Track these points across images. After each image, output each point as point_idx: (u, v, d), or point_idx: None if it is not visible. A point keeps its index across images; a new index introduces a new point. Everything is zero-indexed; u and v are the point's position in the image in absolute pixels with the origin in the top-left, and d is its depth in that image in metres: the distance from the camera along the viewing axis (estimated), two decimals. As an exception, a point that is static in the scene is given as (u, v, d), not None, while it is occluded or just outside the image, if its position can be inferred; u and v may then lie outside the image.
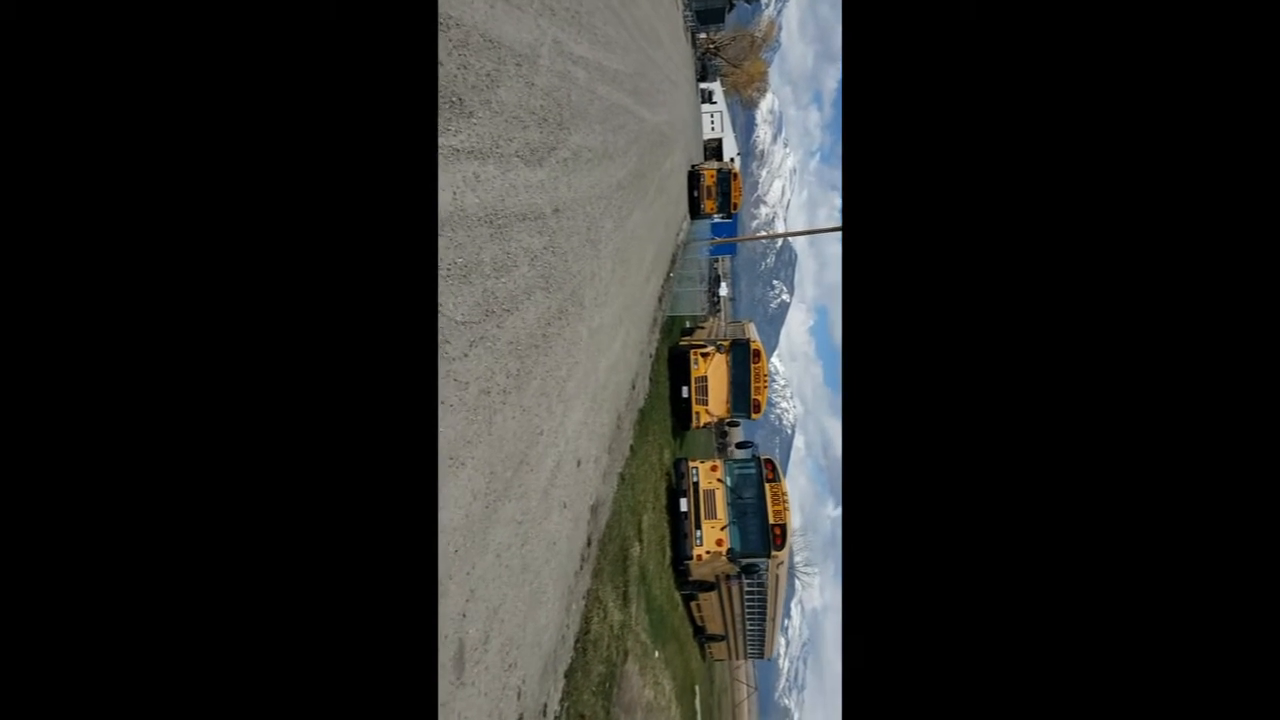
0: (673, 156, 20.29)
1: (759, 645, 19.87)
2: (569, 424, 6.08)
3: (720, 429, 19.32)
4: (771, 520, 12.98)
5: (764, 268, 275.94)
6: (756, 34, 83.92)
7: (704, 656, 19.88)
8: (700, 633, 17.73)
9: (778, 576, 14.60)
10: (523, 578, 4.53)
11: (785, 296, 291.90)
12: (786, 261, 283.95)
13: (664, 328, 15.80)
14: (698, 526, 13.03)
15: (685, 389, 16.18)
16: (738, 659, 22.85)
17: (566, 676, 5.71)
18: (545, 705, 4.96)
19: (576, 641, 6.14)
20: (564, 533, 5.76)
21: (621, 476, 8.95)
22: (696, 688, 17.85)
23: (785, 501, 13.25)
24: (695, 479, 13.52)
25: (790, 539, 12.97)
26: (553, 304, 5.55)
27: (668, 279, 17.25)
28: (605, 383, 8.03)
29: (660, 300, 15.43)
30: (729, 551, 12.78)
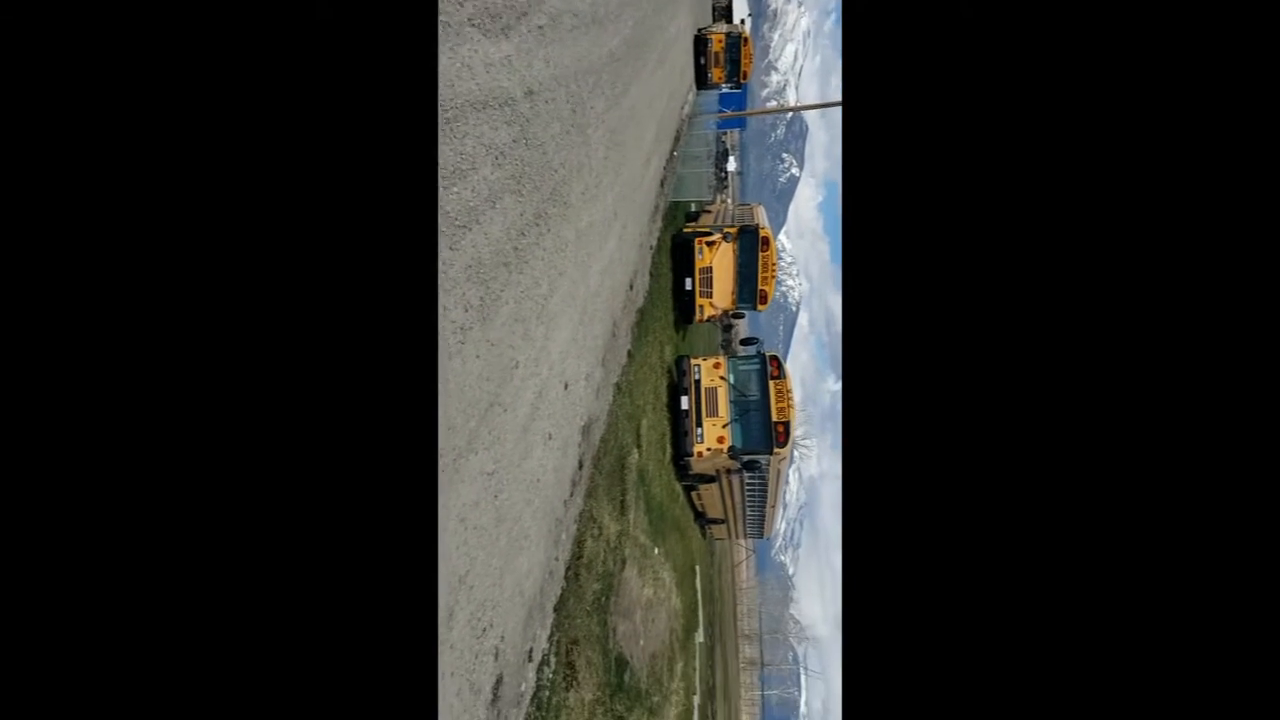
0: (677, 20, 18.19)
1: (758, 527, 20.39)
2: (553, 346, 5.43)
3: (725, 322, 18.67)
4: (775, 418, 12.64)
5: (773, 140, 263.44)
6: None
7: (704, 536, 20.46)
8: (700, 517, 18.08)
9: (778, 470, 14.51)
10: (496, 532, 4.07)
11: (795, 170, 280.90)
12: (797, 134, 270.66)
13: (666, 215, 14.75)
14: (699, 424, 12.73)
15: (689, 281, 15.37)
16: (737, 539, 23.62)
17: (556, 610, 5.45)
18: (530, 650, 4.70)
19: (568, 569, 5.85)
20: (549, 465, 5.28)
21: (618, 387, 8.42)
22: (697, 567, 18.44)
23: (789, 398, 12.85)
24: (697, 376, 13.06)
25: (793, 435, 12.69)
26: (526, 209, 4.72)
27: (671, 159, 15.94)
28: (597, 289, 7.29)
29: (662, 184, 14.28)
30: (730, 449, 12.55)
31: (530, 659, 4.67)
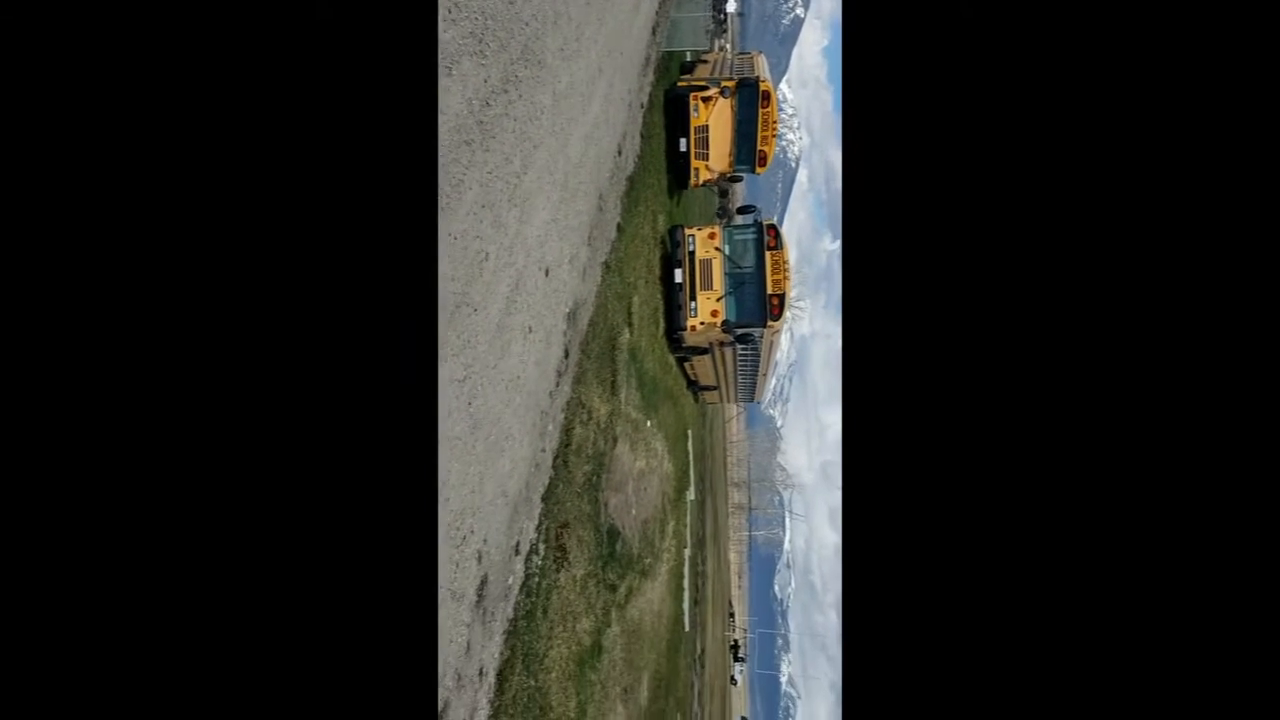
0: None
1: (750, 392, 20.73)
2: (530, 230, 4.98)
3: (722, 186, 17.76)
4: (770, 290, 12.30)
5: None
6: None
7: (696, 400, 20.84)
8: (693, 385, 18.27)
9: (772, 341, 14.40)
10: (472, 439, 3.88)
11: (800, 11, 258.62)
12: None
13: (659, 66, 13.48)
14: (693, 298, 12.41)
15: (683, 141, 14.37)
16: (729, 403, 24.14)
17: (545, 499, 5.43)
18: (517, 544, 4.69)
19: (556, 458, 5.79)
20: (531, 359, 5.03)
21: (606, 265, 8.00)
22: (689, 431, 18.92)
23: (786, 270, 12.44)
24: (691, 248, 12.56)
25: (789, 308, 12.43)
26: (491, 73, 4.10)
27: (664, 1, 14.34)
28: (580, 160, 6.67)
29: (654, 32, 12.92)
30: (724, 323, 12.33)
31: (518, 552, 4.69)
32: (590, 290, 7.18)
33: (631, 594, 8.96)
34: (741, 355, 15.56)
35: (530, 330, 5.00)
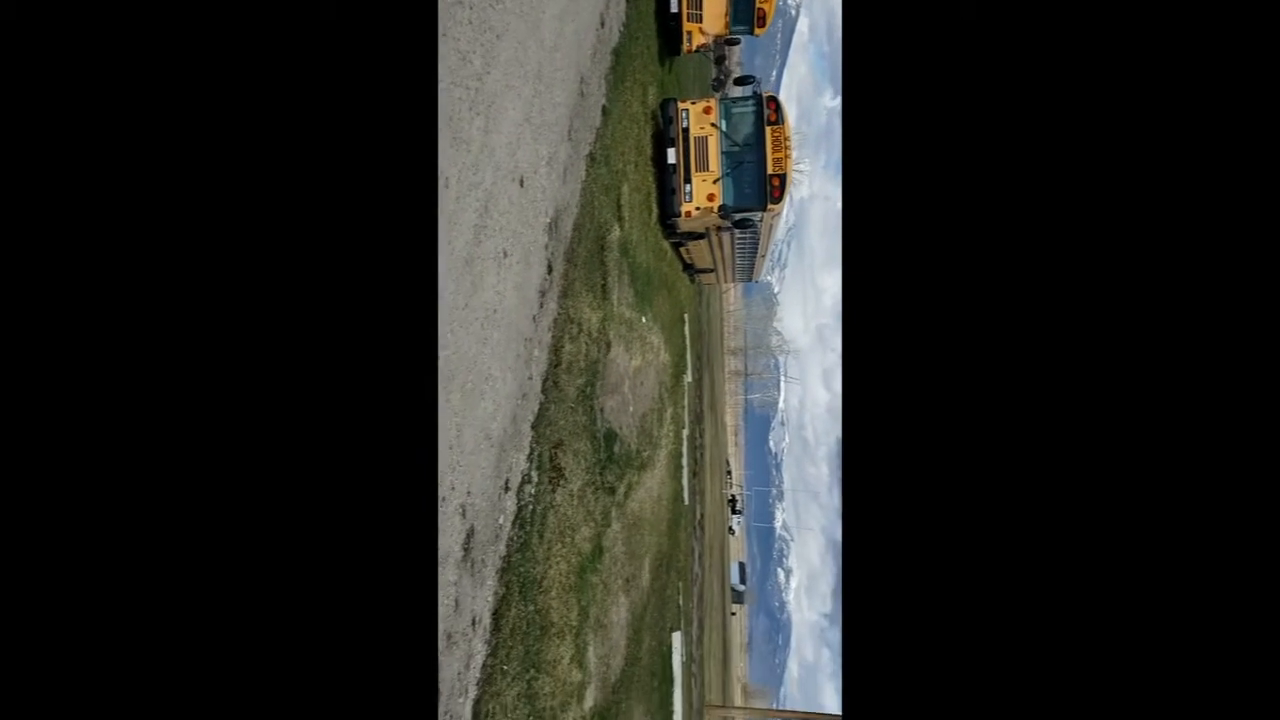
0: None
1: (748, 273, 20.25)
2: (498, 139, 4.41)
3: (718, 52, 16.23)
4: (770, 170, 11.52)
5: None
6: None
7: (692, 282, 20.42)
8: (689, 269, 17.77)
9: (771, 224, 13.75)
10: (445, 391, 3.59)
11: None
12: None
13: (645, -92, 11.82)
14: (687, 180, 11.65)
15: (674, 1, 12.92)
16: (726, 283, 23.71)
17: (535, 426, 5.24)
18: (507, 481, 4.55)
19: (545, 381, 5.54)
20: (509, 286, 4.63)
21: (591, 157, 7.33)
22: (685, 314, 18.69)
23: (787, 147, 11.58)
24: (685, 124, 11.61)
25: (790, 189, 11.71)
26: (437, -43, 3.38)
27: None
28: (556, 42, 5.88)
29: None
30: (721, 208, 11.66)
31: (507, 488, 4.56)
32: (574, 191, 6.61)
33: (631, 489, 9.09)
34: (740, 238, 14.95)
35: (505, 255, 4.57)
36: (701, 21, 13.41)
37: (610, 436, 8.04)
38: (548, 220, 5.68)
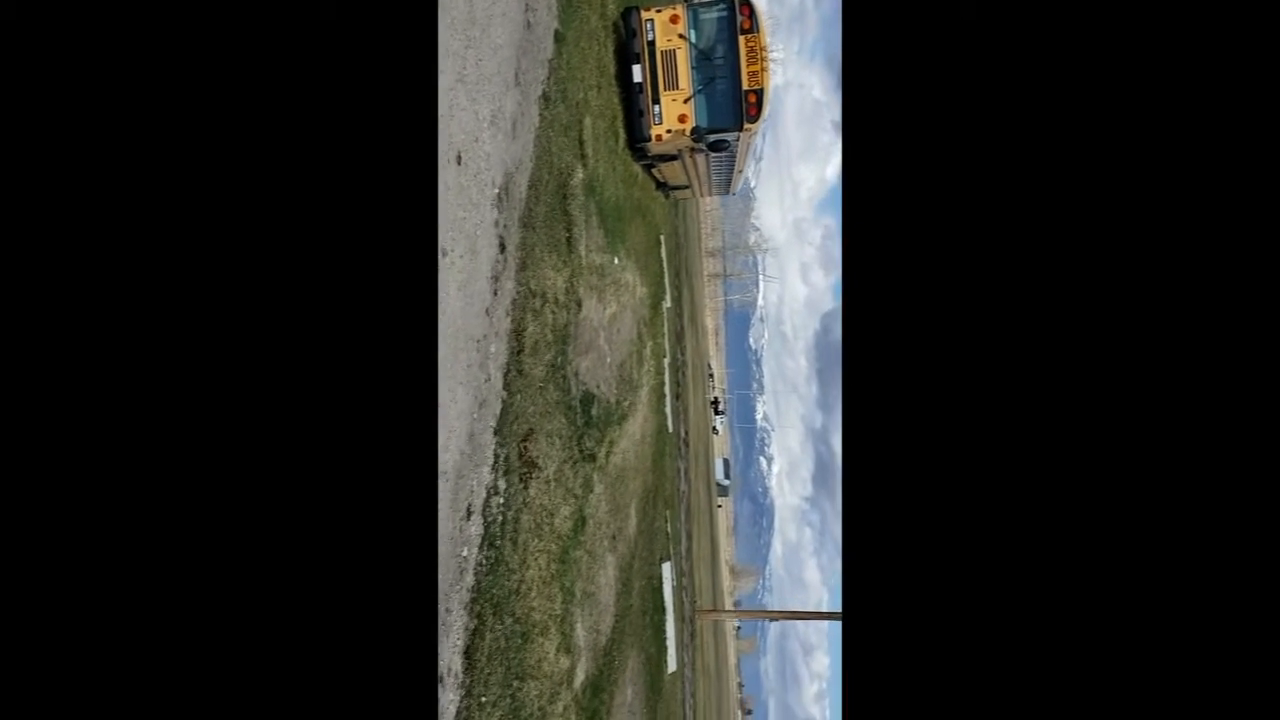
0: None
1: (725, 187, 19.30)
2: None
3: None
4: (746, 85, 10.53)
5: None
6: None
7: (667, 198, 19.46)
8: (663, 186, 16.82)
9: (749, 142, 12.80)
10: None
11: None
12: None
13: None
14: (655, 101, 10.65)
15: (632, -119, 11.36)
16: (702, 197, 22.69)
17: (497, 432, 4.79)
18: (469, 508, 4.14)
19: (507, 374, 5.04)
20: (451, 290, 4.02)
21: (545, 98, 6.47)
22: (661, 236, 17.91)
23: (764, 58, 10.54)
24: (651, 37, 10.48)
25: (767, 105, 10.76)
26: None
27: None
28: (490, -30, 4.95)
29: None
30: (694, 130, 10.74)
31: (470, 514, 4.16)
32: (526, 144, 5.83)
33: (613, 445, 8.80)
34: (715, 160, 14.00)
35: (444, 254, 3.94)
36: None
37: (587, 400, 7.63)
38: (496, 191, 4.98)
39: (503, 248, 5.03)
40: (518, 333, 5.27)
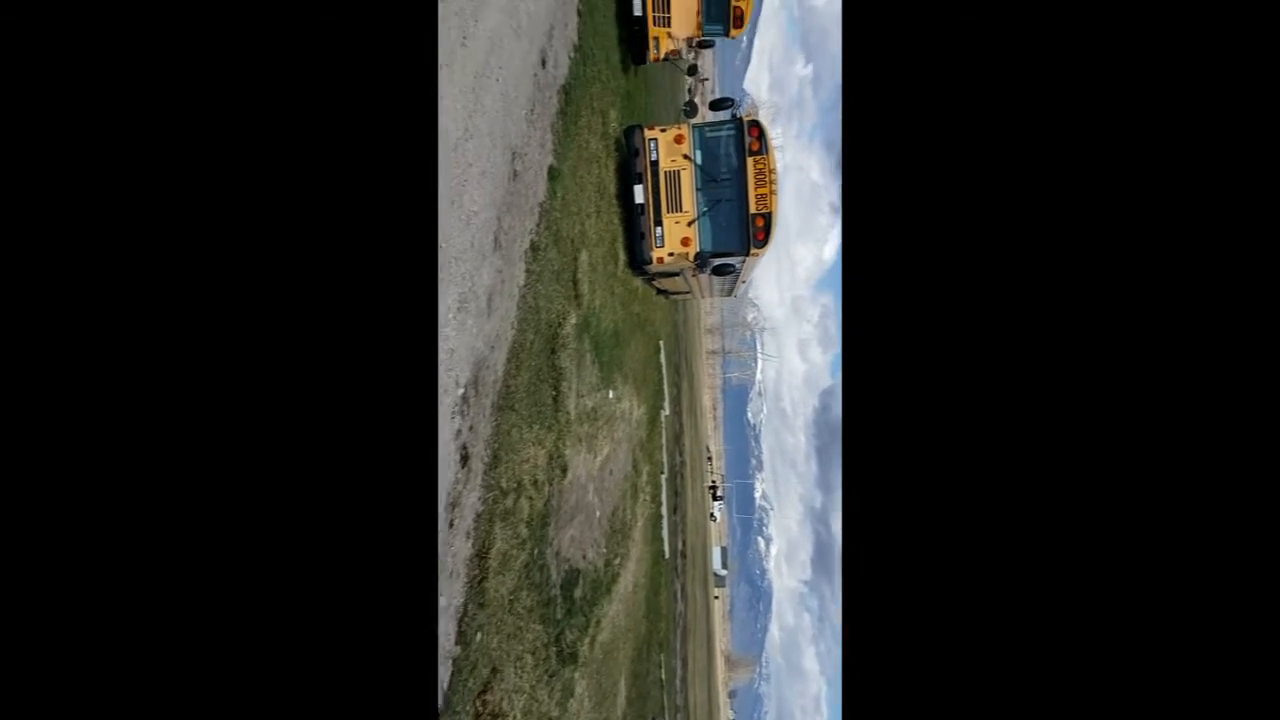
0: None
1: (729, 292, 18.72)
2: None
3: (690, 62, 14.38)
4: (753, 209, 9.90)
5: None
6: None
7: (667, 298, 18.84)
8: (663, 293, 16.18)
9: (755, 262, 12.15)
10: None
11: None
12: None
13: (599, -104, 9.94)
14: (658, 223, 10.00)
15: (638, 3, 11.12)
16: (704, 298, 22.17)
17: (447, 701, 3.69)
18: None
19: (464, 616, 3.98)
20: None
21: (533, 248, 5.67)
22: (661, 343, 17.18)
23: (772, 181, 9.95)
24: (654, 156, 9.92)
25: (775, 229, 10.11)
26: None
27: None
28: (469, 129, 4.20)
29: None
30: (698, 255, 10.04)
31: None
32: (506, 313, 4.96)
33: (599, 625, 7.61)
34: (719, 279, 13.34)
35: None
36: (670, 25, 11.63)
37: (570, 581, 6.52)
38: (461, 391, 4.05)
39: (465, 460, 4.06)
40: (480, 556, 4.24)
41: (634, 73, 12.33)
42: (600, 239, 8.81)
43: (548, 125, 6.47)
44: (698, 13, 11.83)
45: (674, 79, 18.21)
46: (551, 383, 6.14)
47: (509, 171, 5.13)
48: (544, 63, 6.37)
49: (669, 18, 11.40)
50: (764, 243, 10.05)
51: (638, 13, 11.25)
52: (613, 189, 9.82)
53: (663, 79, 16.25)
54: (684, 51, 12.64)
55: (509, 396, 4.92)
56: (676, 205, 9.96)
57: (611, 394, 9.16)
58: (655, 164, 9.95)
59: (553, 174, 6.52)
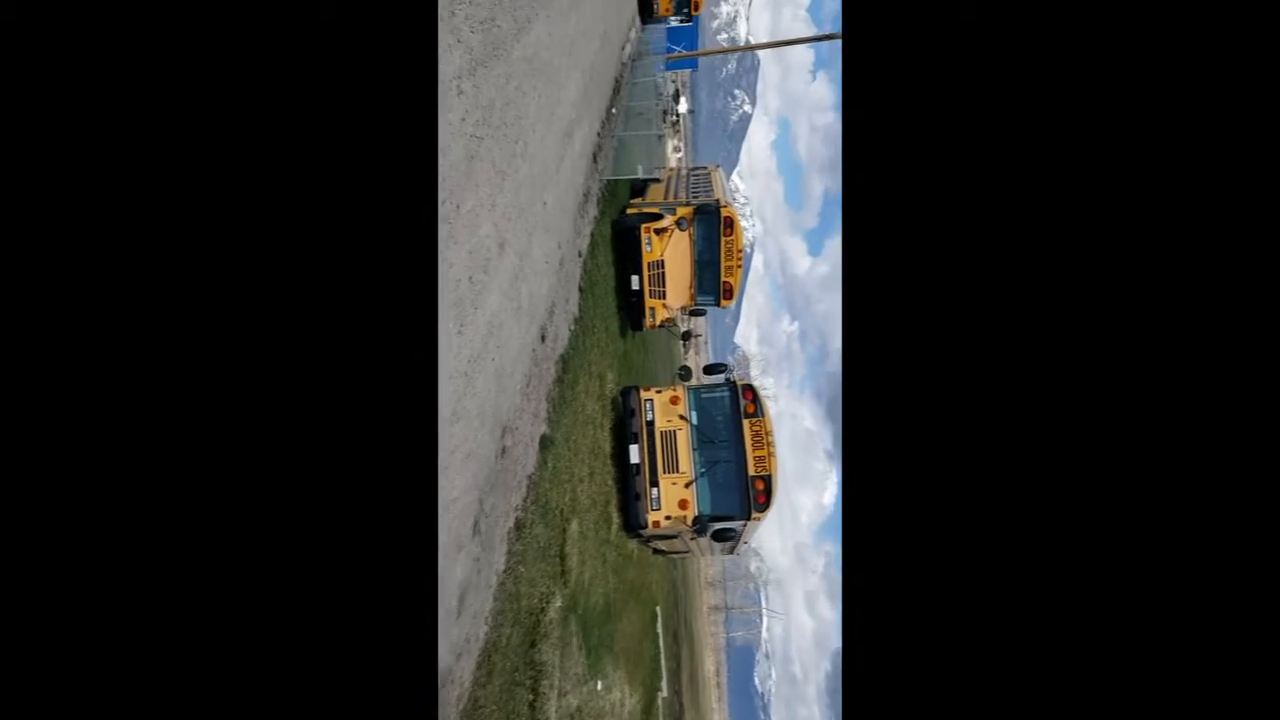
0: (610, -71, 14.21)
1: (729, 551, 17.82)
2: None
3: (685, 330, 15.43)
4: (752, 470, 9.66)
5: (724, 75, 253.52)
6: None
7: (663, 556, 17.83)
8: (660, 552, 15.34)
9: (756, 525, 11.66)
10: None
11: (747, 108, 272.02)
12: (749, 68, 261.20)
13: (603, 197, 11.29)
14: (654, 484, 9.68)
15: (635, 279, 12.09)
16: (703, 556, 21.17)
17: None
18: None
19: None
20: None
21: (517, 527, 5.24)
22: (658, 609, 15.85)
23: (770, 444, 9.86)
24: (650, 416, 9.94)
25: (776, 493, 9.78)
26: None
27: (609, 117, 12.36)
28: (460, 408, 4.02)
29: (595, 159, 10.77)
30: (695, 519, 9.57)
31: None
32: (478, 613, 4.36)
33: None
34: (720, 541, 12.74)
35: None
36: (665, 297, 12.52)
37: None
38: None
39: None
40: None
41: (631, 336, 13.00)
42: (593, 503, 8.41)
43: (543, 395, 6.44)
44: (690, 286, 12.82)
45: (669, 340, 19.32)
46: (529, 684, 5.27)
47: (497, 449, 4.89)
48: (543, 338, 6.54)
49: (664, 290, 12.29)
50: (765, 506, 9.62)
51: (635, 287, 12.15)
52: (608, 448, 9.67)
53: (659, 339, 17.21)
54: (678, 319, 13.50)
55: (475, 712, 4.11)
56: (673, 465, 9.73)
57: (600, 685, 8.01)
58: (651, 424, 9.94)
59: (545, 443, 6.33)
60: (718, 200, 12.79)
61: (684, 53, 21.17)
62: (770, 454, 9.75)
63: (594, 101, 10.91)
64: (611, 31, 13.82)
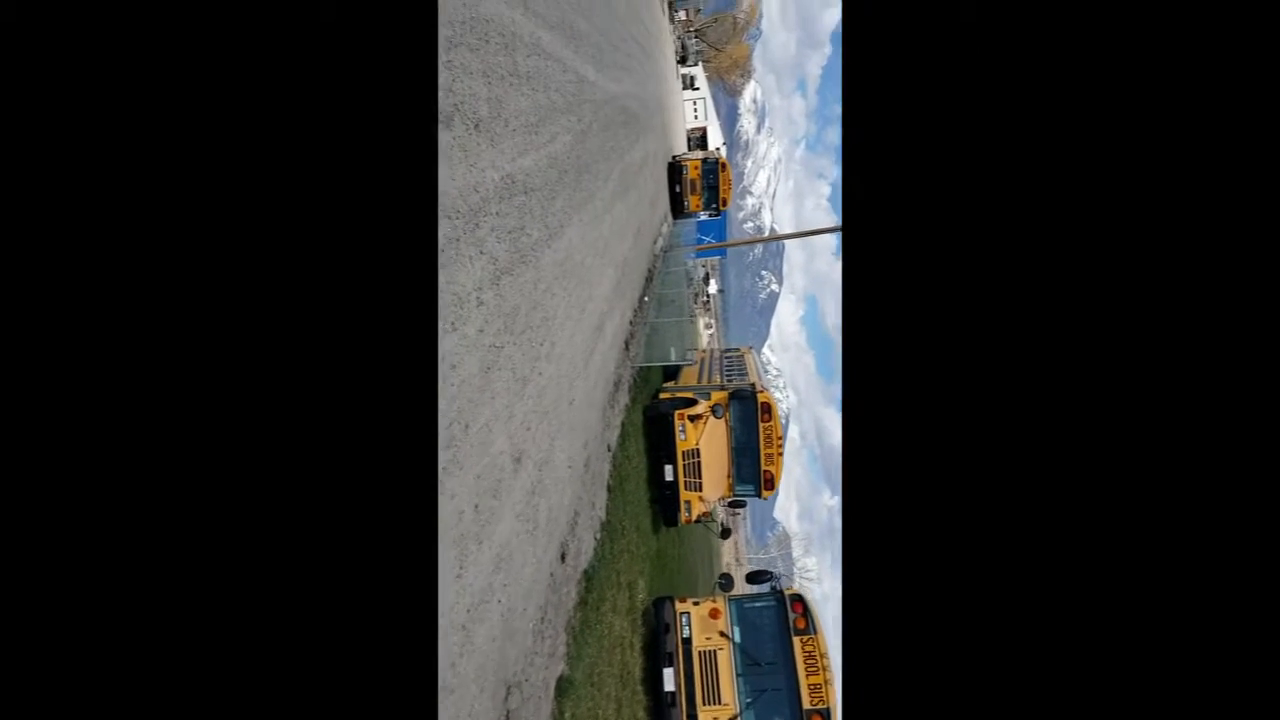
0: (643, 142, 15.40)
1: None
2: None
3: (723, 526, 14.50)
4: (807, 703, 8.22)
5: (751, 259, 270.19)
6: (738, 16, 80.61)
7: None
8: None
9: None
10: None
11: (774, 286, 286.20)
12: (774, 251, 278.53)
13: (635, 385, 10.98)
14: (691, 715, 8.27)
15: (669, 469, 11.41)
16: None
17: None
18: None
19: None
20: None
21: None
22: None
23: (825, 665, 8.48)
24: (686, 634, 8.74)
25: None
26: None
27: (641, 305, 12.43)
28: (461, 647, 3.22)
29: (627, 347, 10.61)
30: (743, 768, 8.01)
31: None
32: None
33: None
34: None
35: None
36: (701, 490, 11.73)
37: None
38: None
39: None
40: None
41: (664, 532, 12.05)
42: (619, 748, 7.07)
43: (561, 627, 5.54)
44: (729, 475, 12.06)
45: (706, 534, 18.11)
46: None
47: (499, 715, 3.97)
48: (564, 556, 5.78)
49: (700, 482, 11.53)
50: (825, 744, 8.05)
51: (669, 478, 11.44)
52: (638, 672, 8.40)
53: (694, 533, 16.08)
54: (716, 512, 12.58)
55: None
56: (714, 696, 8.35)
57: None
58: (688, 642, 8.71)
59: (562, 688, 5.32)
60: (753, 384, 12.42)
61: (713, 243, 22.16)
62: (827, 682, 8.35)
63: (627, 293, 10.98)
64: (644, 228, 14.42)
